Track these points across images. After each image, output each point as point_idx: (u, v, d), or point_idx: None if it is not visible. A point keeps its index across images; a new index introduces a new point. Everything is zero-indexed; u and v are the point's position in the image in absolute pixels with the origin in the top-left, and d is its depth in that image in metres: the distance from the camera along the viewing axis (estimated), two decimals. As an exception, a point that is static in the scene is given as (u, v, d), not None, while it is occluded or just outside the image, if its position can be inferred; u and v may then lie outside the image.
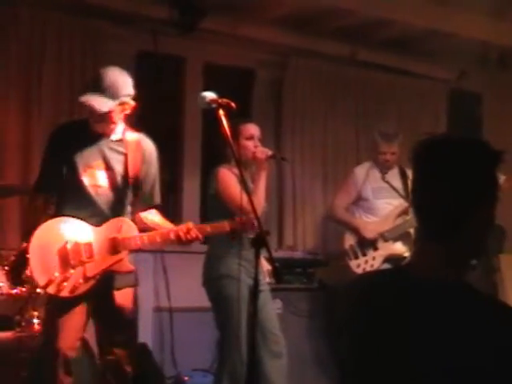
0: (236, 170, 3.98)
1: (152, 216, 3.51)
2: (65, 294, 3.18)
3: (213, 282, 4.17)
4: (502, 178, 4.27)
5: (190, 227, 3.31)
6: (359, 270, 4.92)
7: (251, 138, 4.08)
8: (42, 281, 3.18)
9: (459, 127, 6.66)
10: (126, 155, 3.37)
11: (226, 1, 5.23)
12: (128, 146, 3.39)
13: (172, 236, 3.30)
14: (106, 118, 3.30)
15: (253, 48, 5.77)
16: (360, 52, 6.02)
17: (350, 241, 5.06)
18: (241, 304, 3.92)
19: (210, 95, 3.09)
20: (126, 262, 3.31)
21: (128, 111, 3.37)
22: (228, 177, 4.03)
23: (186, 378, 4.98)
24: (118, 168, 3.35)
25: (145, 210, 3.50)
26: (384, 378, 1.55)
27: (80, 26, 5.13)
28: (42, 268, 3.18)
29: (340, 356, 1.68)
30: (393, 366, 1.53)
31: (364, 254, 4.99)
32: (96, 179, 3.31)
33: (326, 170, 6.09)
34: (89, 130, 3.35)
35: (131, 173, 3.36)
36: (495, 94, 6.78)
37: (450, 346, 1.45)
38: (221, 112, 3.05)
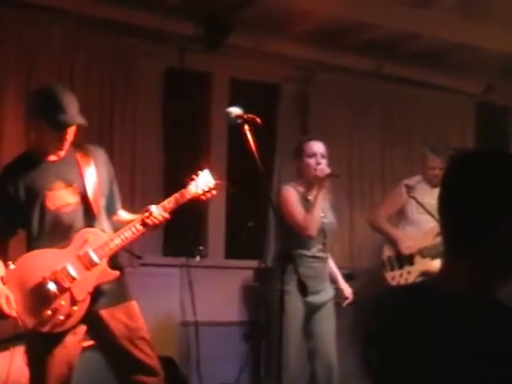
0: (300, 188, 4.03)
1: (122, 214, 3.44)
2: (61, 328, 3.07)
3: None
4: None
5: (152, 210, 3.24)
6: (393, 283, 4.92)
7: (313, 155, 4.10)
8: (30, 323, 3.05)
9: (487, 141, 6.62)
10: (79, 167, 3.24)
11: (251, 17, 5.27)
12: (78, 158, 3.27)
13: (139, 226, 3.20)
14: (69, 137, 3.19)
15: (278, 63, 5.79)
16: (385, 66, 6.01)
17: (388, 252, 5.04)
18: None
19: (235, 111, 3.12)
20: (108, 270, 3.16)
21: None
22: (289, 193, 4.08)
23: (213, 392, 4.99)
24: (78, 181, 3.23)
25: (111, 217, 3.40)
26: None
27: (110, 44, 5.20)
28: (26, 310, 3.05)
29: (370, 367, 1.65)
30: (418, 381, 1.52)
31: (400, 267, 4.97)
32: (62, 199, 3.17)
33: (352, 184, 6.08)
34: (33, 159, 3.24)
35: (89, 183, 3.23)
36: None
37: (476, 362, 1.44)
38: (246, 127, 3.08)
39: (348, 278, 5.47)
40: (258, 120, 3.11)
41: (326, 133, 5.97)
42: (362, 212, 6.02)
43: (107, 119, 5.17)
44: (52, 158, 3.23)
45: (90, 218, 3.20)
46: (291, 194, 4.06)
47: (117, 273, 3.20)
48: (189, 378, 4.97)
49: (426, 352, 1.51)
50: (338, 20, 5.38)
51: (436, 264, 4.88)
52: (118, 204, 3.45)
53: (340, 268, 5.74)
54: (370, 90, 6.20)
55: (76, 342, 3.20)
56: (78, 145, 3.31)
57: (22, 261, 3.12)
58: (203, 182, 3.45)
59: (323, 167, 4.04)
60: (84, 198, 3.19)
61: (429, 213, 4.83)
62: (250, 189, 4.37)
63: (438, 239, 4.83)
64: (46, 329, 3.04)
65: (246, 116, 3.10)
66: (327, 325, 4.15)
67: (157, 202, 5.31)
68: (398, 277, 4.95)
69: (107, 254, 3.15)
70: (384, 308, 1.67)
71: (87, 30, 5.11)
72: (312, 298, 3.67)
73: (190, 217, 5.80)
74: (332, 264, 4.40)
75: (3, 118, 4.85)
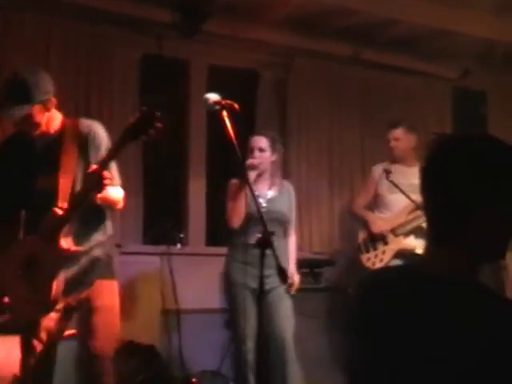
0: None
1: None
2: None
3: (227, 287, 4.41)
4: None
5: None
6: (369, 264, 5.00)
7: (251, 150, 4.36)
8: None
9: (464, 126, 6.66)
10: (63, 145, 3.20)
11: (228, 3, 5.25)
12: (66, 135, 3.24)
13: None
14: (29, 122, 3.15)
15: (256, 50, 5.79)
16: (364, 52, 6.02)
17: (362, 235, 5.14)
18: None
19: (213, 97, 3.12)
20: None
21: (52, 107, 3.21)
22: (229, 186, 4.38)
23: (195, 380, 4.98)
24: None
25: None
26: (395, 373, 1.54)
27: (85, 31, 5.15)
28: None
29: (352, 354, 1.67)
30: (405, 361, 1.52)
31: (375, 249, 5.04)
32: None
33: (332, 171, 6.09)
34: (25, 140, 3.25)
35: (71, 160, 3.18)
36: (500, 91, 6.78)
37: (459, 343, 1.45)
38: (224, 113, 3.08)
39: (327, 263, 5.52)
40: (236, 106, 3.11)
41: (305, 119, 6.00)
42: (341, 199, 6.04)
43: (83, 107, 5.13)
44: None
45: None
46: (231, 183, 4.37)
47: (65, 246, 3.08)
48: (171, 366, 4.97)
49: (411, 333, 1.52)
50: (316, 5, 5.37)
51: (410, 242, 4.95)
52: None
53: (320, 254, 5.82)
54: (349, 76, 6.21)
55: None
56: (73, 119, 3.32)
57: None
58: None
59: (252, 161, 4.28)
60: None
61: (403, 193, 4.88)
62: (230, 175, 4.39)
63: (411, 216, 4.89)
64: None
65: (223, 102, 3.10)
66: (278, 308, 4.26)
67: (135, 193, 5.34)
68: (374, 258, 5.02)
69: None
70: (369, 291, 1.68)
71: (61, 17, 5.06)
72: (255, 285, 3.73)
73: (170, 204, 5.81)
74: (291, 250, 4.57)
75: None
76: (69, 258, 3.10)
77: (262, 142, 4.36)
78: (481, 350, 1.42)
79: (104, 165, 2.95)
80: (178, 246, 5.12)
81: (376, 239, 5.07)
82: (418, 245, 4.89)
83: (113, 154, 2.98)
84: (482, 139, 1.58)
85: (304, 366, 4.36)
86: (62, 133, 3.26)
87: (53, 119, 3.25)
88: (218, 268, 5.00)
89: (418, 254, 4.78)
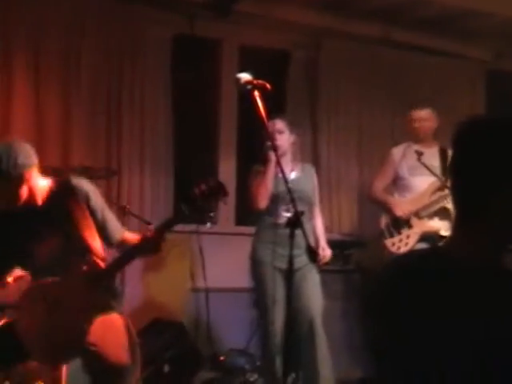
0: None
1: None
2: None
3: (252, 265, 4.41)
4: None
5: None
6: (394, 249, 4.92)
7: (277, 131, 4.33)
8: None
9: (497, 108, 6.58)
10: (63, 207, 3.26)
11: (260, -17, 5.24)
12: (58, 198, 3.28)
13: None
14: (5, 197, 3.20)
15: (287, 30, 5.77)
16: (394, 32, 5.96)
17: (385, 220, 5.08)
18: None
19: (245, 76, 3.12)
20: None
21: (31, 178, 3.19)
22: (254, 168, 4.39)
23: (222, 358, 5.04)
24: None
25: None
26: (420, 359, 1.53)
27: (118, 10, 5.18)
28: None
29: (375, 339, 1.66)
30: (430, 346, 1.52)
31: (399, 233, 4.98)
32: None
33: (361, 151, 6.08)
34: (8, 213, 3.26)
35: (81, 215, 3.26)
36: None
37: (488, 327, 1.45)
38: (256, 93, 3.08)
39: (357, 245, 5.51)
40: (268, 86, 3.11)
41: (335, 99, 5.98)
42: (371, 181, 6.02)
43: (115, 87, 5.18)
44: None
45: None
46: (254, 167, 4.38)
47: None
48: (199, 344, 5.02)
49: (437, 319, 1.52)
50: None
51: (434, 224, 4.89)
52: (115, 237, 3.39)
53: (349, 235, 5.82)
54: (379, 56, 6.16)
55: None
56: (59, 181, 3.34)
57: None
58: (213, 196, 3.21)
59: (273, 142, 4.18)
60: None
61: (434, 174, 4.85)
62: (259, 156, 4.40)
63: (434, 197, 4.85)
64: None
65: (255, 82, 3.10)
66: (307, 287, 4.28)
67: (166, 173, 5.38)
68: (398, 242, 4.96)
69: None
70: (393, 276, 1.66)
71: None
72: (283, 264, 3.72)
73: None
74: (318, 228, 4.58)
75: (13, 86, 4.87)
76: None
77: (279, 124, 4.34)
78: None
79: (165, 231, 3.13)
80: (208, 225, 5.13)
81: (399, 223, 5.00)
82: (442, 226, 4.81)
83: (177, 222, 3.18)
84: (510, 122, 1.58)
85: (331, 347, 4.38)
86: (52, 197, 3.28)
87: (36, 189, 3.24)
88: (246, 247, 5.02)
89: (443, 236, 4.73)
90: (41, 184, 3.26)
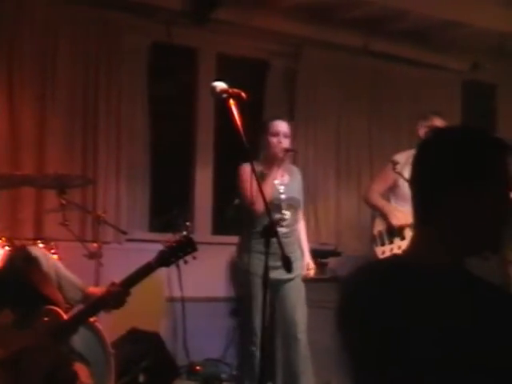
0: (260, 166, 4.05)
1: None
2: None
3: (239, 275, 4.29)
4: None
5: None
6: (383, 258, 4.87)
7: (276, 134, 4.14)
8: None
9: (474, 119, 6.63)
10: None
11: (239, -9, 5.24)
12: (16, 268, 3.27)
13: None
14: None
15: (266, 39, 5.77)
16: (373, 42, 5.99)
17: (379, 226, 5.00)
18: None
19: (220, 85, 3.11)
20: None
21: None
22: (243, 170, 4.10)
23: (199, 368, 5.01)
24: None
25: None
26: (385, 369, 1.54)
27: (95, 18, 5.15)
28: None
29: (346, 347, 1.67)
30: (395, 355, 1.52)
31: (391, 242, 4.94)
32: None
33: (339, 161, 6.08)
34: None
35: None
36: (510, 85, 6.74)
37: (447, 331, 1.45)
38: (231, 102, 3.07)
39: (333, 254, 5.51)
40: (244, 95, 3.09)
41: (314, 109, 5.98)
42: (348, 191, 6.04)
43: (92, 94, 5.14)
44: None
45: None
46: (246, 171, 4.06)
47: None
48: (175, 354, 4.99)
49: (397, 326, 1.51)
50: (327, -5, 5.36)
51: None
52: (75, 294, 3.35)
53: (326, 244, 5.82)
54: (358, 66, 6.19)
55: None
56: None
57: None
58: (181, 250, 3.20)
59: (283, 146, 4.11)
60: None
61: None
62: (237, 164, 4.37)
63: None
64: None
65: (231, 90, 3.09)
66: (292, 298, 4.18)
67: (142, 182, 5.34)
68: (389, 251, 4.91)
69: None
70: (356, 284, 1.67)
71: (72, 2, 5.06)
72: (273, 274, 3.63)
73: (176, 192, 5.82)
74: (302, 238, 4.45)
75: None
76: None
77: (286, 127, 4.22)
78: (477, 337, 1.43)
79: (131, 285, 3.10)
80: (184, 233, 5.11)
81: (393, 232, 4.95)
82: None
83: (143, 276, 3.12)
84: (465, 129, 1.61)
85: (311, 356, 4.35)
86: (9, 266, 3.27)
87: None
88: (223, 257, 5.03)
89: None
90: None
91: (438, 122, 5.01)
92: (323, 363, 5.00)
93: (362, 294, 1.62)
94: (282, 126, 4.18)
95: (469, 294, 1.50)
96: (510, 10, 5.58)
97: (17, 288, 3.17)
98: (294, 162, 5.83)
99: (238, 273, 4.25)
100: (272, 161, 4.11)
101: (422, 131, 5.00)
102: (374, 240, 4.99)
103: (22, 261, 3.23)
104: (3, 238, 3.60)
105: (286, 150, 4.12)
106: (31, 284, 3.16)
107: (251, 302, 4.07)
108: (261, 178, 3.99)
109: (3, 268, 3.26)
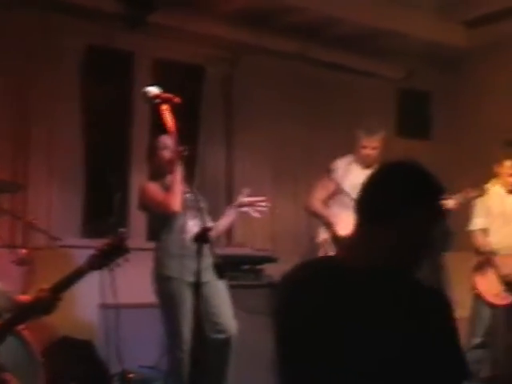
0: (160, 183, 4.07)
1: None
2: None
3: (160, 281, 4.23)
4: (451, 202, 4.66)
5: None
6: None
7: (165, 147, 4.09)
8: None
9: (408, 126, 6.73)
10: None
11: (175, -5, 5.21)
12: None
13: None
14: None
15: (203, 44, 5.74)
16: (310, 49, 6.03)
17: (324, 235, 4.99)
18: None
19: (152, 90, 3.09)
20: None
21: None
22: (148, 184, 4.14)
23: (132, 375, 4.94)
24: None
25: None
26: (316, 366, 1.58)
27: (31, 19, 5.06)
28: None
29: (276, 344, 1.74)
30: (324, 354, 1.57)
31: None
32: None
33: (276, 168, 6.10)
34: None
35: None
36: (444, 92, 6.87)
37: (382, 331, 1.49)
38: (164, 107, 3.05)
39: (269, 260, 5.51)
40: (177, 99, 3.08)
41: (251, 115, 5.98)
42: (284, 197, 6.05)
43: (24, 96, 5.04)
44: None
45: None
46: (150, 185, 4.11)
47: None
48: (108, 361, 4.90)
49: (329, 325, 1.57)
50: (263, 1, 5.37)
51: None
52: None
53: (261, 250, 5.80)
54: (295, 73, 6.22)
55: None
56: None
57: None
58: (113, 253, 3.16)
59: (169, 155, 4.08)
60: None
61: (345, 194, 4.85)
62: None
63: None
64: None
65: (163, 95, 3.07)
66: (217, 300, 4.20)
67: (75, 188, 5.25)
68: None
69: None
70: (291, 284, 1.74)
71: (5, 4, 4.95)
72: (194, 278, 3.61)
73: (111, 198, 5.72)
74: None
75: None
76: None
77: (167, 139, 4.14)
78: (405, 335, 1.48)
79: (61, 290, 3.01)
80: (115, 236, 5.04)
81: (339, 241, 4.93)
82: None
83: (74, 281, 3.05)
84: (414, 168, 1.75)
85: (245, 361, 4.34)
86: None
87: None
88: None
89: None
90: None
91: (379, 142, 4.98)
92: (259, 369, 5.01)
93: (287, 290, 1.72)
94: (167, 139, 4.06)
95: (392, 293, 1.55)
96: (442, 18, 5.70)
97: None
98: (231, 168, 5.85)
99: (160, 279, 4.21)
100: (168, 168, 4.04)
101: (364, 150, 4.97)
102: (318, 248, 4.98)
103: None
104: None
105: (180, 152, 4.03)
106: None
107: (177, 307, 4.05)
108: (164, 189, 4.03)
109: None
